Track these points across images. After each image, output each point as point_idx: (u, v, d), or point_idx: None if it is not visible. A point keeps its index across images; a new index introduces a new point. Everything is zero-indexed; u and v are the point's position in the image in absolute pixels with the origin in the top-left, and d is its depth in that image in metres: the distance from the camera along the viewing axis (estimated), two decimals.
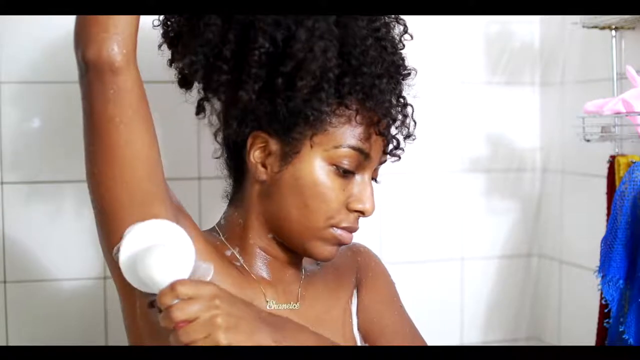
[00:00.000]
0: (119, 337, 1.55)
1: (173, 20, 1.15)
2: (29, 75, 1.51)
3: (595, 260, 1.39)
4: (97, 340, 1.56)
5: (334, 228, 1.12)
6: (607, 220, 1.40)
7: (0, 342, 1.50)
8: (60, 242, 1.53)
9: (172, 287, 0.89)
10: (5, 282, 1.51)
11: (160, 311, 0.91)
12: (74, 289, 1.55)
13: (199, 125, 1.55)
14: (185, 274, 0.92)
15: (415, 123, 1.18)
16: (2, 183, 1.51)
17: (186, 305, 0.89)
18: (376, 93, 1.09)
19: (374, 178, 1.16)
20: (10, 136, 1.50)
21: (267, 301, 1.14)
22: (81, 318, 1.56)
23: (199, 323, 0.89)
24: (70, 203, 1.54)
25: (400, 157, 1.17)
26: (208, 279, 0.96)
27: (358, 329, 1.23)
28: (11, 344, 1.51)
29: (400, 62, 1.16)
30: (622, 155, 1.50)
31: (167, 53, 1.17)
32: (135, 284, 0.93)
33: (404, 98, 1.16)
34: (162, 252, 0.91)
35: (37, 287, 1.53)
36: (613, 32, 1.53)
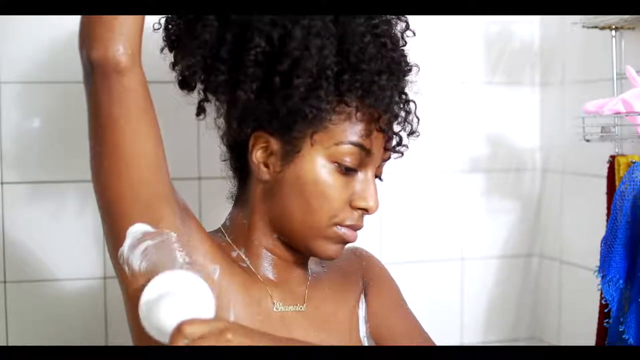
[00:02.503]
0: (119, 337, 1.55)
1: (173, 23, 1.15)
2: (30, 75, 1.51)
3: (595, 260, 1.39)
4: (97, 340, 1.56)
5: (338, 226, 1.12)
6: (607, 220, 1.40)
7: (0, 342, 1.50)
8: (60, 242, 1.53)
9: (179, 328, 0.88)
10: (5, 282, 1.51)
11: None
12: (74, 289, 1.55)
13: (199, 125, 1.56)
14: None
15: (418, 120, 1.17)
16: (2, 183, 1.51)
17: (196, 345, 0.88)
18: (376, 89, 1.09)
19: (377, 176, 1.16)
20: (12, 136, 1.51)
21: (273, 303, 1.13)
22: (81, 318, 1.56)
23: None
24: (71, 203, 1.54)
25: (403, 154, 1.17)
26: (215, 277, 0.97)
27: (370, 335, 1.23)
28: (11, 344, 1.51)
29: (401, 58, 1.15)
30: (622, 155, 1.50)
31: (168, 56, 1.17)
32: (154, 335, 0.94)
33: (405, 94, 1.15)
34: (171, 300, 0.91)
35: (37, 287, 1.53)
36: (613, 32, 1.53)
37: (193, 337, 0.88)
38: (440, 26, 1.73)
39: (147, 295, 0.95)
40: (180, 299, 0.92)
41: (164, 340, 0.92)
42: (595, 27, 1.52)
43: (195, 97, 1.16)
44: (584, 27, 1.52)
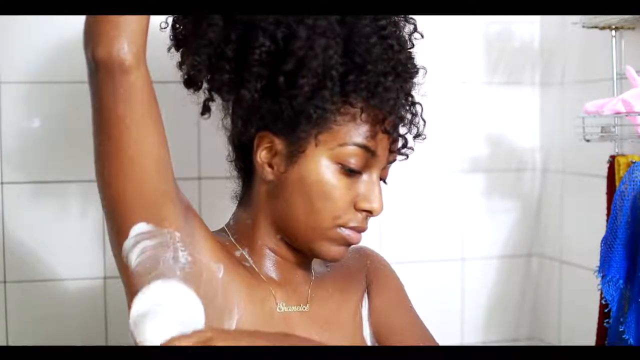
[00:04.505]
0: (119, 337, 1.55)
1: (180, 22, 1.15)
2: (31, 75, 1.51)
3: (595, 260, 1.39)
4: (97, 340, 1.56)
5: (341, 228, 1.11)
6: (607, 220, 1.40)
7: (0, 342, 1.50)
8: (61, 242, 1.53)
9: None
10: (5, 282, 1.51)
11: None
12: (75, 289, 1.55)
13: (200, 125, 1.56)
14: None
15: (424, 122, 1.17)
16: (2, 183, 1.51)
17: None
18: (381, 91, 1.09)
19: (383, 179, 1.16)
20: (13, 136, 1.50)
21: (277, 303, 1.13)
22: (81, 318, 1.56)
23: None
24: (72, 203, 1.54)
25: (408, 156, 1.16)
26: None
27: (371, 332, 1.23)
28: (11, 344, 1.51)
29: (408, 60, 1.15)
30: (622, 155, 1.50)
31: (170, 55, 1.17)
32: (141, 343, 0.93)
33: (412, 96, 1.15)
34: (159, 319, 0.90)
35: (38, 287, 1.53)
36: (613, 32, 1.53)
37: None
38: (440, 26, 1.73)
39: (137, 308, 0.93)
40: (168, 318, 0.91)
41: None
42: (595, 27, 1.52)
43: (198, 96, 1.16)
44: (584, 27, 1.52)
